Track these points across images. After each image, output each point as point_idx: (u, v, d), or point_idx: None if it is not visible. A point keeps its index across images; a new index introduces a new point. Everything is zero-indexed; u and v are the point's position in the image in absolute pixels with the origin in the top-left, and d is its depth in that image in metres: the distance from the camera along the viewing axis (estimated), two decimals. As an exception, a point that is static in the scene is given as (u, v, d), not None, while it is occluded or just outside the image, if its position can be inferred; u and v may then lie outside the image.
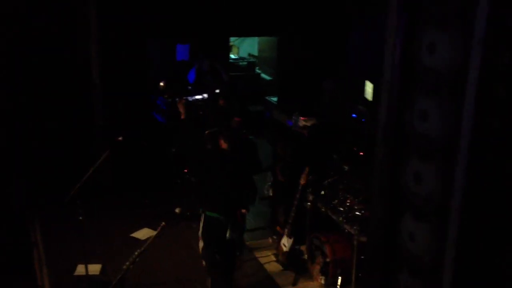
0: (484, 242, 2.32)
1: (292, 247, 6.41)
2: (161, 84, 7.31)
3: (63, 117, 8.14)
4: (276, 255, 6.73)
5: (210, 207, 5.42)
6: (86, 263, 5.61)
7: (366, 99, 8.88)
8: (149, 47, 9.23)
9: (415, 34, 2.50)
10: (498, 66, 2.20)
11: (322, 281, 6.06)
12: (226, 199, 5.37)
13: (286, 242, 6.46)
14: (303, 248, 6.46)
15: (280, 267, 6.55)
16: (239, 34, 11.61)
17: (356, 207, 5.85)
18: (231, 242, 5.43)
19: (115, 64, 8.31)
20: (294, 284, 6.25)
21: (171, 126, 8.28)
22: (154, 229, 5.80)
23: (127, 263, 4.81)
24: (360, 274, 5.56)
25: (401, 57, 2.57)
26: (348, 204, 5.97)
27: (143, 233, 7.08)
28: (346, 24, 9.93)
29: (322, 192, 6.31)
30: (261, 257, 6.78)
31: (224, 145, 5.45)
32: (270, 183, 8.10)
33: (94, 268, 6.17)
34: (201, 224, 5.55)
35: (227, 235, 5.36)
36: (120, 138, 6.61)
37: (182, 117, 6.22)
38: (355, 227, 5.58)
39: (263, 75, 12.46)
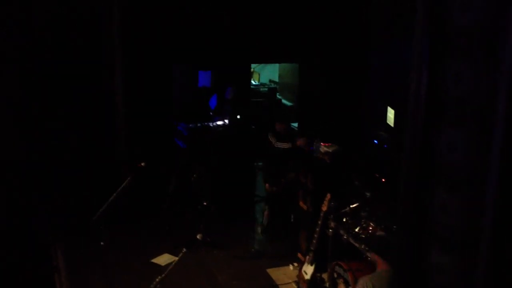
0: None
1: (313, 275, 6.33)
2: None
3: (87, 142, 8.25)
4: (297, 282, 6.66)
5: None
6: (107, 289, 5.62)
7: (388, 125, 8.85)
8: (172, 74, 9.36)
9: (440, 64, 2.50)
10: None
11: (344, 310, 5.96)
12: None
13: (307, 270, 6.39)
14: (324, 276, 6.38)
15: (301, 295, 6.48)
16: (260, 61, 11.72)
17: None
18: None
19: (138, 90, 8.45)
20: (316, 312, 6.16)
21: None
22: (175, 255, 5.80)
23: (148, 290, 4.81)
24: (383, 304, 5.45)
25: (426, 86, 2.56)
26: (370, 231, 5.89)
27: (164, 259, 7.07)
28: (367, 50, 9.97)
29: (344, 219, 6.25)
30: (282, 284, 6.71)
31: None
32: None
33: (115, 294, 6.17)
34: None
35: None
36: (142, 164, 6.66)
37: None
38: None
39: (284, 101, 12.52)
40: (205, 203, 8.47)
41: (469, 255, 2.33)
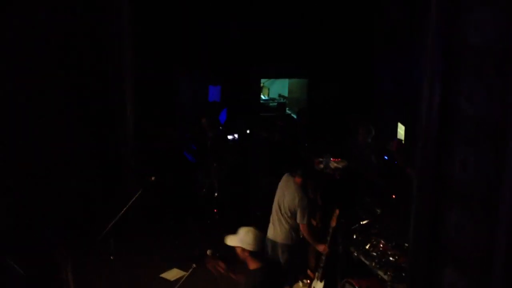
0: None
1: (323, 292, 6.28)
2: None
3: (96, 157, 8.27)
4: (306, 299, 6.60)
5: None
6: (115, 303, 5.60)
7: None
8: (181, 89, 9.43)
9: (453, 82, 2.50)
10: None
11: (354, 328, 5.88)
12: None
13: (317, 286, 6.33)
14: (334, 293, 6.32)
15: (311, 312, 6.41)
16: (270, 76, 11.78)
17: (389, 252, 5.72)
18: None
19: (148, 104, 8.49)
20: (325, 330, 6.09)
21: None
22: (184, 270, 5.78)
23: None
24: (394, 323, 5.40)
25: (439, 105, 2.56)
26: (381, 248, 5.84)
27: (173, 274, 7.03)
28: (376, 66, 10.00)
29: (354, 236, 6.20)
30: (291, 301, 6.66)
31: None
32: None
33: (123, 309, 6.15)
34: None
35: None
36: (152, 178, 6.68)
37: None
38: (388, 273, 5.45)
39: (293, 116, 12.52)
40: (215, 214, 8.47)
41: (483, 274, 2.31)
